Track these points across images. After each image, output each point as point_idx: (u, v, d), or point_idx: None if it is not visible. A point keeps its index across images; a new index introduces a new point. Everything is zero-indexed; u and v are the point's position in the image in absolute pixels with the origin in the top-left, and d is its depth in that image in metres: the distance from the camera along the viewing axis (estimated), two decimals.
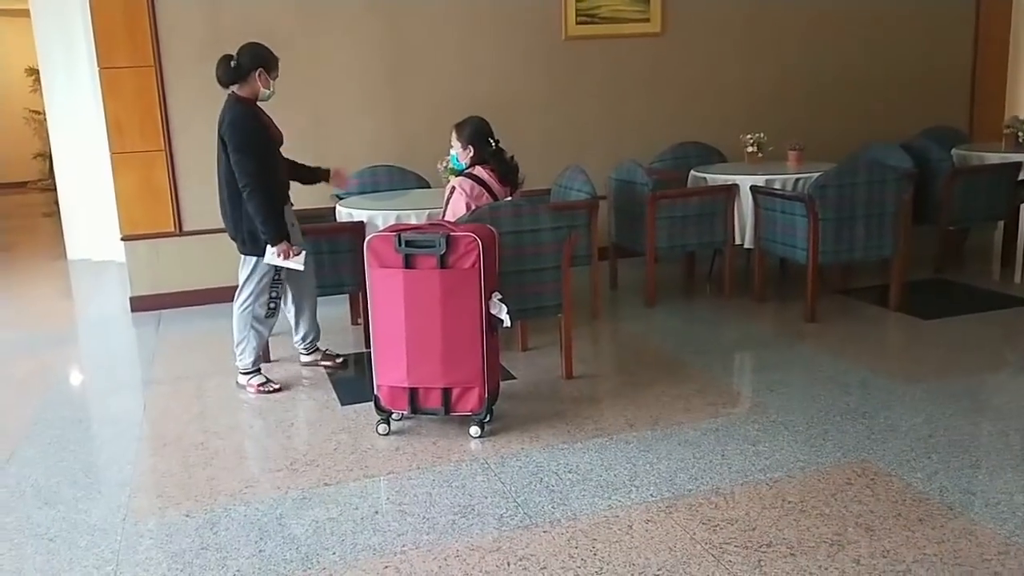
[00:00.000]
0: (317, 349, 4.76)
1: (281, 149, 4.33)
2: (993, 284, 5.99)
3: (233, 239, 4.29)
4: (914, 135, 6.53)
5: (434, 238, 3.53)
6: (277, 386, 4.40)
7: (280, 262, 4.19)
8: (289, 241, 4.18)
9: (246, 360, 4.40)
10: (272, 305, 4.38)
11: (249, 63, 4.11)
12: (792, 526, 2.89)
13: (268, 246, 4.16)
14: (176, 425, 4.05)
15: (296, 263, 4.20)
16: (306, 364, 4.74)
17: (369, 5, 6.20)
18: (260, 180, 4.06)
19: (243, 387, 4.44)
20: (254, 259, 4.26)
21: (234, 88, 4.14)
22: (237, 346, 4.40)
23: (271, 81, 4.15)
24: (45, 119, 8.54)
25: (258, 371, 4.44)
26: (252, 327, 4.35)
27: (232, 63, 4.09)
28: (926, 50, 7.61)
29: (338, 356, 4.76)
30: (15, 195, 13.15)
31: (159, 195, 5.97)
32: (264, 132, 4.16)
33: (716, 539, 2.83)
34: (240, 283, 4.36)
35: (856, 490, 3.11)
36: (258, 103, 4.20)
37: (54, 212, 9.80)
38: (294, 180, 4.49)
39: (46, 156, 11.52)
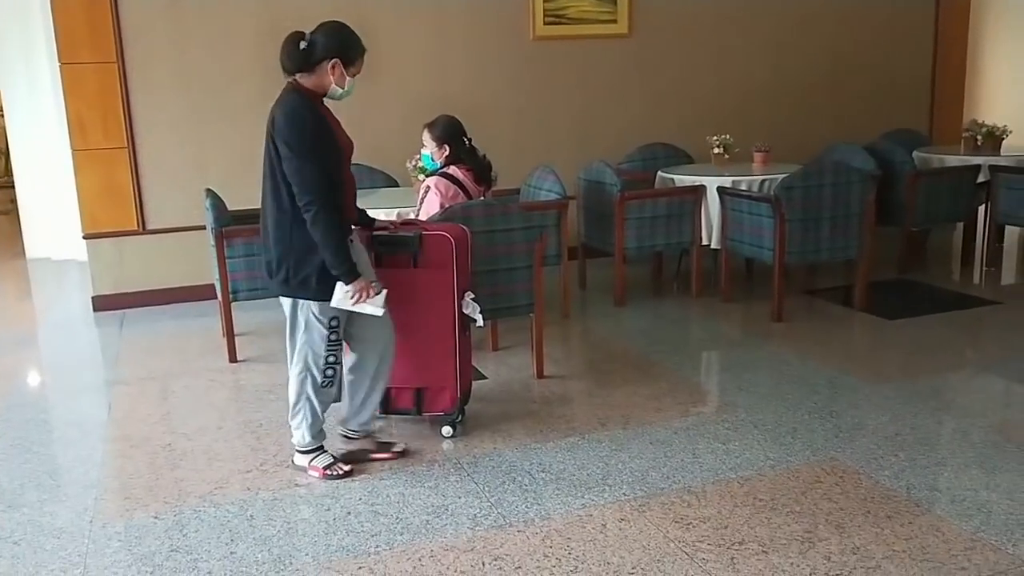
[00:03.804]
0: (369, 435, 3.59)
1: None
2: (954, 284, 6.10)
3: (271, 275, 3.21)
4: (876, 138, 6.63)
5: (407, 237, 3.51)
6: (348, 468, 3.38)
7: (352, 305, 3.16)
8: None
9: (303, 436, 3.38)
10: (329, 372, 3.30)
11: (323, 48, 3.13)
12: (764, 524, 2.92)
13: (340, 284, 3.13)
14: (143, 426, 3.99)
15: (374, 305, 3.20)
16: (353, 452, 3.52)
17: (335, 3, 6.14)
18: (328, 196, 3.06)
19: (302, 469, 3.41)
20: (306, 303, 3.21)
21: (297, 76, 3.16)
22: (292, 417, 3.40)
23: (347, 78, 3.19)
24: (2, 115, 8.37)
25: (320, 449, 3.41)
26: (307, 397, 3.32)
27: (302, 44, 3.13)
28: (887, 54, 7.73)
29: (394, 444, 3.59)
30: None
31: (122, 193, 5.87)
32: (331, 135, 3.19)
33: (689, 537, 2.85)
34: (288, 338, 3.31)
35: (825, 488, 3.15)
36: (325, 100, 3.24)
37: (11, 210, 9.59)
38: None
39: (2, 153, 11.31)
